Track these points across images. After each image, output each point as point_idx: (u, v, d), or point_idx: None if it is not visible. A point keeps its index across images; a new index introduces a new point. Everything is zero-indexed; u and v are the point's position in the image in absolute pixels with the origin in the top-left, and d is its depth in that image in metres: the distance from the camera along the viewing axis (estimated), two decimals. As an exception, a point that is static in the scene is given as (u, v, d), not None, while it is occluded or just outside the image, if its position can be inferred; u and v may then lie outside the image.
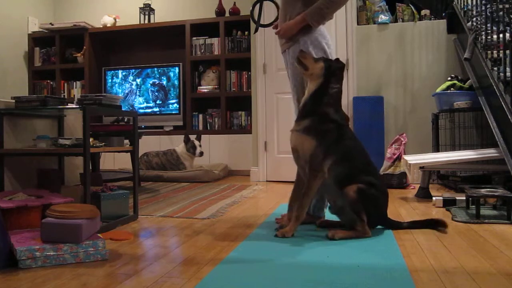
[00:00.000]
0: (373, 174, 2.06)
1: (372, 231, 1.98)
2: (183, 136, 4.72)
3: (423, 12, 4.24)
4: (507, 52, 2.71)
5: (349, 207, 1.96)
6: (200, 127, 5.23)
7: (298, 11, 2.16)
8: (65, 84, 5.61)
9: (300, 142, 2.02)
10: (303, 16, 2.11)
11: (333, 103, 2.04)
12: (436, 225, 2.10)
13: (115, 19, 5.48)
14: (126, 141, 3.02)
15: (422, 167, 3.06)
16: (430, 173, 3.11)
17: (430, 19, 4.18)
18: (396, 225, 2.11)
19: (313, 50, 2.14)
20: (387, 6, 4.20)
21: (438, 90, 3.68)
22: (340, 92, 2.08)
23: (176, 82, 5.27)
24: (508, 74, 2.73)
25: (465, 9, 3.67)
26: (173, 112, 5.27)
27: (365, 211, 1.94)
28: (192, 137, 4.69)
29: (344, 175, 1.98)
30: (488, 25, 3.05)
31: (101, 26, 5.49)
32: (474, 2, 3.41)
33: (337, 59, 2.08)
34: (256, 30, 2.56)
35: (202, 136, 4.81)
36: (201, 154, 4.62)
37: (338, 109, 2.06)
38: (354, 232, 1.95)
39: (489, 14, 3.05)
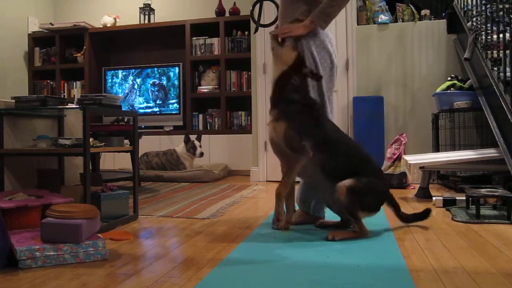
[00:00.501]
0: (359, 159, 2.03)
1: (372, 231, 1.98)
2: (183, 136, 4.72)
3: (423, 12, 4.24)
4: (507, 52, 2.71)
5: (344, 211, 1.98)
6: (200, 127, 5.23)
7: (300, 10, 2.14)
8: (65, 84, 5.61)
9: (273, 129, 2.06)
10: (311, 19, 2.09)
11: (297, 90, 2.04)
12: (424, 216, 2.15)
13: (115, 19, 5.48)
14: (126, 141, 3.02)
15: (422, 167, 3.06)
16: (430, 173, 3.11)
17: (430, 19, 4.18)
18: (396, 209, 2.12)
19: (316, 50, 2.13)
20: (387, 6, 4.21)
21: (438, 90, 3.68)
22: (302, 87, 2.07)
23: (176, 82, 5.27)
24: (508, 74, 2.73)
25: (465, 9, 3.67)
26: (173, 112, 5.26)
27: (362, 204, 1.93)
28: (192, 137, 4.69)
29: (331, 167, 1.97)
30: (488, 25, 3.05)
31: (101, 26, 5.49)
32: (474, 2, 3.41)
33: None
34: (256, 30, 2.56)
35: (202, 136, 4.81)
36: (201, 154, 4.61)
37: (306, 96, 2.06)
38: (354, 233, 1.95)
39: (489, 14, 3.05)
